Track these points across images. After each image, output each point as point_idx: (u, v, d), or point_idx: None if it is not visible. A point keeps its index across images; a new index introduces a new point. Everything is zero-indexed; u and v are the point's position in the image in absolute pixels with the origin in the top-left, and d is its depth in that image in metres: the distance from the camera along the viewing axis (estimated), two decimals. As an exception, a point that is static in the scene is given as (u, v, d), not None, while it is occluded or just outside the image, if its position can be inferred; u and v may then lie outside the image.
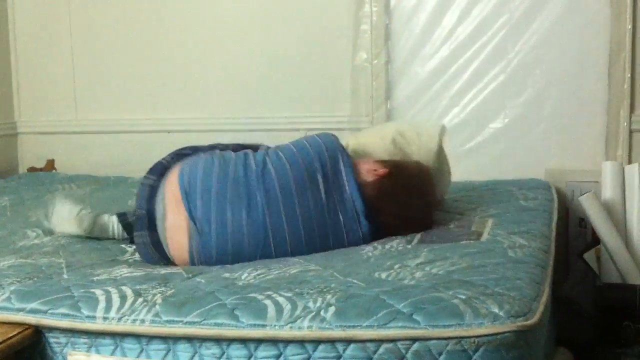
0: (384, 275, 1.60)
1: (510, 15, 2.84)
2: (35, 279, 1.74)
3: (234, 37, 3.21)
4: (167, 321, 1.46)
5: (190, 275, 1.75)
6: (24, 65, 3.51)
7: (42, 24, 3.46)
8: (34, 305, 1.55)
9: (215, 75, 3.23)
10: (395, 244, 1.93)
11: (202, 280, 1.68)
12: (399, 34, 2.98)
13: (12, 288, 1.64)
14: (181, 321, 1.45)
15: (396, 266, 1.67)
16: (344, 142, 2.14)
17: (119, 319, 1.48)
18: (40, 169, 3.43)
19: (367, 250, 1.89)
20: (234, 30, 3.21)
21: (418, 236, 1.98)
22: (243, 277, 1.69)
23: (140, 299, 1.53)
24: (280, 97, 3.18)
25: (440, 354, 1.31)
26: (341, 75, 3.05)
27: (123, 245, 2.18)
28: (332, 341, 1.36)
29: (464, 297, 1.38)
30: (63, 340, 1.52)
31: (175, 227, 1.95)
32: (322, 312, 1.39)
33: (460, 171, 2.84)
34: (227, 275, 1.73)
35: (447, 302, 1.37)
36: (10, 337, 1.49)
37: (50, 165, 3.39)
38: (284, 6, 3.13)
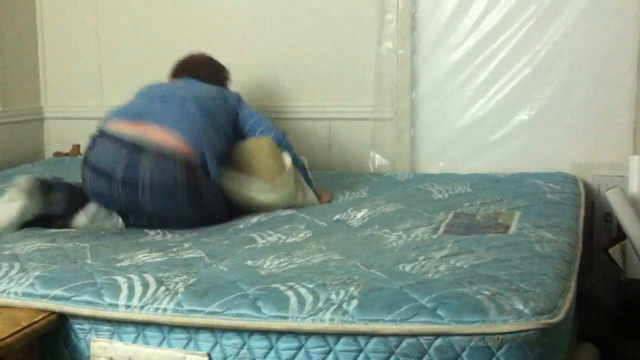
0: (407, 268, 1.59)
1: (537, 7, 2.79)
2: (59, 264, 1.75)
3: (258, 24, 3.19)
4: (189, 311, 1.46)
5: (212, 262, 1.76)
6: (50, 50, 3.52)
7: (68, 10, 3.47)
8: (57, 292, 1.56)
9: (238, 63, 3.21)
10: (420, 233, 1.93)
11: (225, 269, 1.69)
12: (424, 24, 2.94)
13: (36, 273, 1.65)
14: (203, 311, 1.45)
15: (420, 258, 1.66)
16: None
17: (141, 308, 1.49)
18: (66, 154, 3.45)
19: (392, 239, 1.88)
20: (258, 17, 3.19)
21: (443, 226, 1.97)
22: (265, 266, 1.69)
23: (162, 288, 1.53)
24: (304, 86, 3.16)
25: (463, 350, 1.29)
26: (365, 65, 3.03)
27: (145, 230, 2.19)
28: (354, 335, 1.35)
29: (488, 292, 1.37)
30: (86, 326, 1.53)
31: None
32: (344, 305, 1.39)
33: (486, 163, 2.83)
34: (249, 263, 1.73)
35: (471, 298, 1.35)
36: (35, 323, 1.50)
37: (76, 150, 3.40)
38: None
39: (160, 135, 2.18)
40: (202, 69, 2.70)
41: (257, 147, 2.42)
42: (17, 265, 1.73)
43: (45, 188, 2.21)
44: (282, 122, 3.16)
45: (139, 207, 2.16)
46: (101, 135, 2.22)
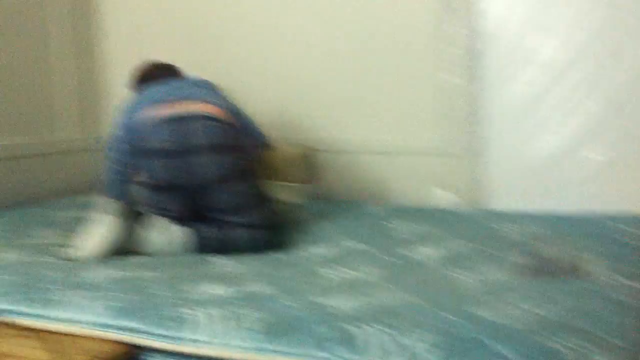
0: (481, 312, 1.55)
1: (611, 41, 2.71)
2: (133, 294, 1.76)
3: (313, 55, 3.19)
4: (257, 348, 1.45)
5: (281, 298, 1.75)
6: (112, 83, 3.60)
7: (130, 32, 3.55)
8: (129, 323, 1.57)
9: (293, 92, 3.22)
10: (492, 274, 1.90)
11: (294, 305, 1.67)
12: (487, 55, 2.90)
13: (109, 304, 1.66)
14: (271, 349, 1.44)
15: (494, 301, 1.62)
16: None
17: (210, 343, 1.49)
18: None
19: (462, 280, 1.85)
20: (313, 47, 3.19)
21: (516, 267, 1.93)
22: (334, 304, 1.67)
23: (232, 323, 1.53)
24: (361, 119, 3.13)
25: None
26: (428, 97, 2.98)
27: (214, 259, 2.20)
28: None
29: (569, 344, 1.32)
30: (158, 359, 1.54)
31: None
32: (416, 350, 1.36)
33: (558, 201, 2.75)
34: (318, 300, 1.71)
35: (553, 349, 1.31)
36: (106, 353, 1.51)
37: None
38: (366, 26, 3.08)
39: (202, 107, 2.33)
40: (171, 69, 2.77)
41: (293, 155, 2.69)
42: (91, 294, 1.75)
43: (130, 211, 2.23)
44: (338, 155, 3.15)
45: (200, 173, 2.26)
46: (143, 121, 2.30)
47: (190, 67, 2.91)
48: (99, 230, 2.16)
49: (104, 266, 2.06)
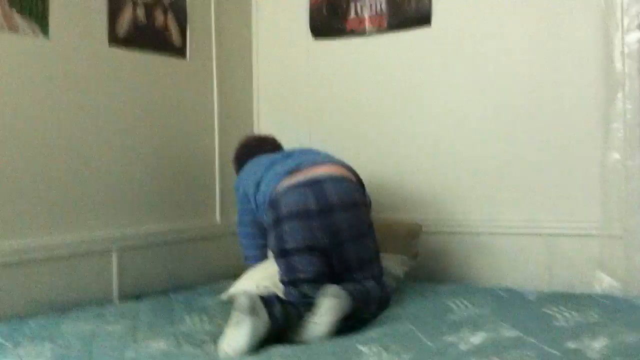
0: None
1: None
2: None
3: (467, 128, 3.11)
4: None
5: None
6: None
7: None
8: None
9: (444, 171, 3.13)
10: None
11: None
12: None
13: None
14: None
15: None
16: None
17: None
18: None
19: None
20: (468, 120, 3.11)
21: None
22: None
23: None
24: (518, 199, 3.00)
25: None
26: (589, 176, 2.83)
27: (359, 346, 2.08)
28: None
29: None
30: None
31: None
32: None
33: None
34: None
35: None
36: None
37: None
38: (526, 100, 2.98)
39: (328, 169, 2.55)
40: (271, 141, 3.05)
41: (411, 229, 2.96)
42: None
43: (266, 303, 2.19)
44: (492, 237, 3.01)
45: (339, 230, 2.45)
46: (285, 191, 2.47)
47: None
48: (244, 331, 2.11)
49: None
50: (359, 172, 2.68)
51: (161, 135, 3.17)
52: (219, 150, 3.45)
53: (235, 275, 2.84)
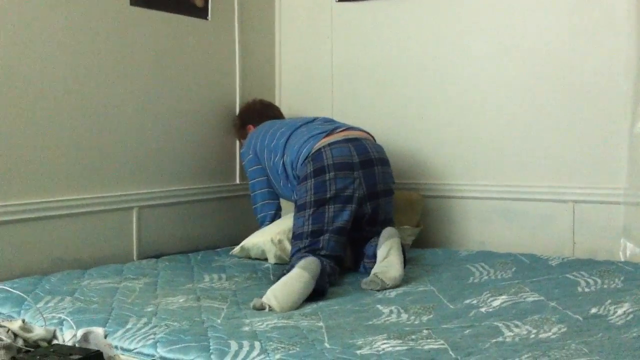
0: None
1: None
2: (298, 346, 1.67)
3: (498, 100, 3.05)
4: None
5: (458, 357, 1.59)
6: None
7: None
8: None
9: (470, 136, 3.09)
10: None
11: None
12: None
13: (277, 356, 1.58)
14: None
15: None
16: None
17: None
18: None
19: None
20: (496, 91, 3.05)
21: None
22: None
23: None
24: (544, 165, 2.95)
25: None
26: (616, 144, 2.77)
27: (379, 307, 2.08)
28: None
29: None
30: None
31: None
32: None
33: None
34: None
35: None
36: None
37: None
38: (555, 67, 2.91)
39: (356, 133, 2.75)
40: (275, 107, 3.33)
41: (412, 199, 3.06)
42: (257, 344, 1.67)
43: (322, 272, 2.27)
44: (516, 203, 2.97)
45: (378, 182, 2.64)
46: (328, 145, 2.63)
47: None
48: (297, 287, 2.16)
49: (269, 315, 2.01)
50: (382, 138, 2.79)
51: (182, 96, 3.14)
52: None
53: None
